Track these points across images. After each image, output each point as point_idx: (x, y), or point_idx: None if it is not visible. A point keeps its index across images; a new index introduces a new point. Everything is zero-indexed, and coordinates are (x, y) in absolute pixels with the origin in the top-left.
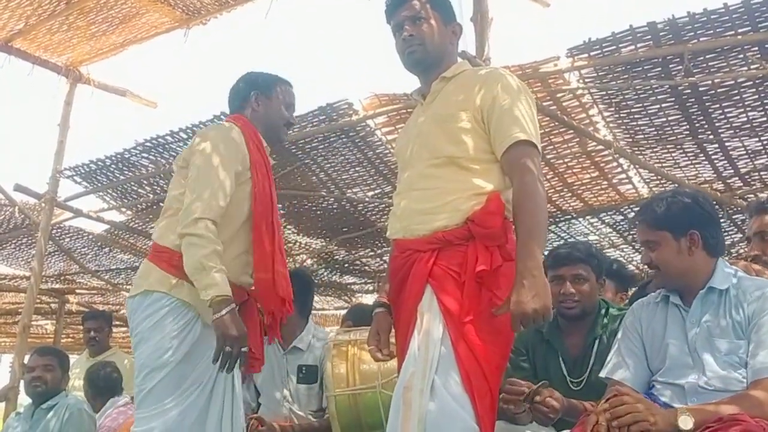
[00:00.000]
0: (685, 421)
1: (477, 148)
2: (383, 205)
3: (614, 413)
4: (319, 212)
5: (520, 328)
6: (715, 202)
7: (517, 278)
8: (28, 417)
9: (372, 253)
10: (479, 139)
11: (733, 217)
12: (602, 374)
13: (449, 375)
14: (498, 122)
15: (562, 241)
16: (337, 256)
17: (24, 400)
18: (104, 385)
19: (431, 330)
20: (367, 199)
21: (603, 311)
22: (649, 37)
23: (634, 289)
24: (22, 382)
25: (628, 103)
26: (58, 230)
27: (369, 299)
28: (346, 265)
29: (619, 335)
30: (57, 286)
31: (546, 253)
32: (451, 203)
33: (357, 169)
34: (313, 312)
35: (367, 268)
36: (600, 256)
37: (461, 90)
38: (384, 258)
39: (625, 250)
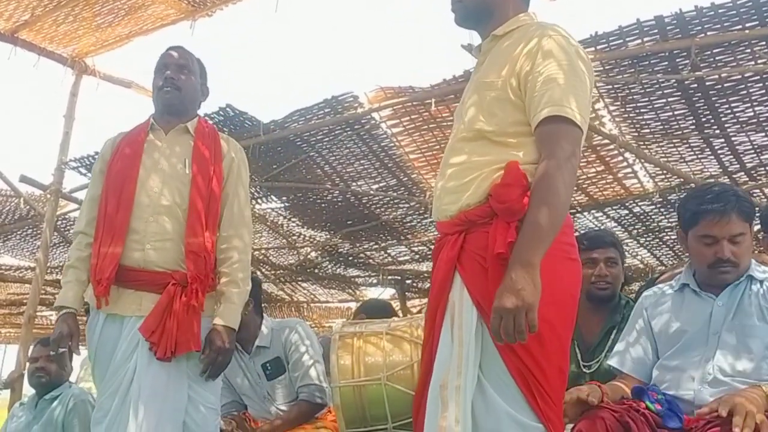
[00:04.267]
0: None
1: (512, 121)
2: (388, 198)
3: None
4: (323, 205)
5: (498, 325)
6: None
7: (507, 268)
8: (32, 407)
9: (376, 246)
10: (515, 111)
11: None
12: (609, 362)
13: (496, 371)
14: (532, 92)
15: None
16: (341, 249)
17: (28, 390)
18: None
19: (464, 323)
20: (371, 192)
21: (622, 301)
22: (656, 31)
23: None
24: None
25: (635, 97)
26: (63, 221)
27: (373, 293)
28: (351, 257)
29: (628, 325)
30: (61, 277)
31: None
32: (476, 180)
33: (362, 161)
34: (317, 305)
35: (371, 261)
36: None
37: (508, 51)
38: (388, 251)
39: (630, 244)
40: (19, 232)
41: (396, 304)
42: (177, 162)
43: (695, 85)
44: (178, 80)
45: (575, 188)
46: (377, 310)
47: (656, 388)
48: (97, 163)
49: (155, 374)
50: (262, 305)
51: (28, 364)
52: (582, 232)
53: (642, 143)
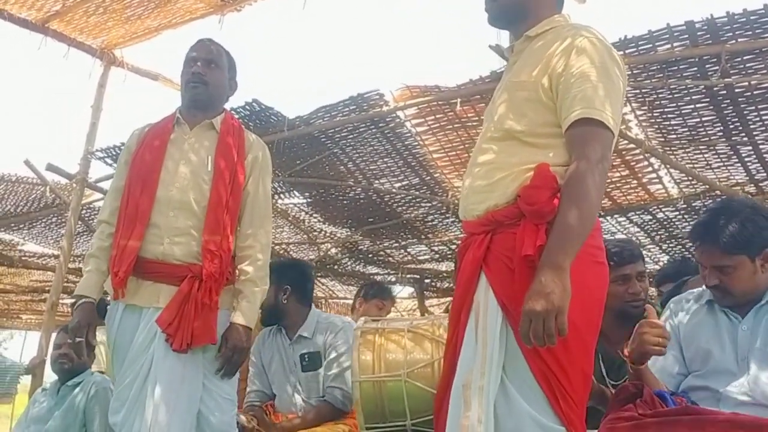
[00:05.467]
0: None
1: (543, 122)
2: (410, 197)
3: None
4: (345, 202)
5: (527, 329)
6: None
7: (537, 271)
8: (53, 393)
9: (396, 245)
10: (546, 112)
11: None
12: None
13: (519, 373)
14: (564, 93)
15: None
16: (361, 246)
17: (49, 376)
18: None
19: (489, 324)
20: (394, 190)
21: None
22: (687, 36)
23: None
24: (48, 359)
25: (662, 102)
26: (88, 211)
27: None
28: (370, 255)
29: None
30: (82, 265)
31: None
32: (504, 180)
33: (385, 160)
34: (335, 301)
35: (390, 259)
36: None
37: (541, 52)
38: (408, 250)
39: (652, 250)
40: (44, 220)
41: (414, 303)
42: (200, 158)
43: (724, 92)
44: (206, 75)
45: None
46: (377, 291)
47: (686, 394)
48: (122, 153)
49: (171, 365)
50: (311, 295)
51: (50, 350)
52: (606, 243)
53: (668, 149)
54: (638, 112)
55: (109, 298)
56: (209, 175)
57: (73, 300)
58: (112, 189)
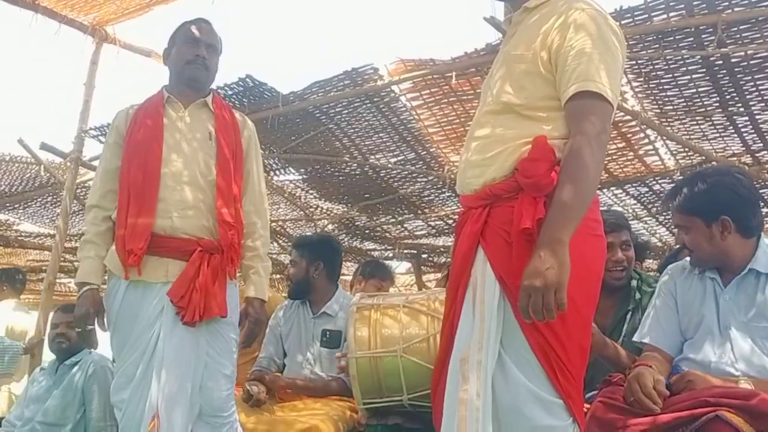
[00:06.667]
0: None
1: (541, 95)
2: (406, 172)
3: None
4: (341, 178)
5: (526, 304)
6: None
7: (536, 246)
8: (52, 372)
9: (393, 220)
10: (545, 85)
11: (761, 191)
12: (637, 338)
13: (517, 347)
14: (563, 66)
15: None
16: (358, 222)
17: (47, 355)
18: None
19: (486, 298)
20: (389, 165)
21: (636, 283)
22: (682, 6)
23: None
24: (46, 338)
25: (658, 73)
26: (83, 189)
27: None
28: (367, 231)
29: (655, 297)
30: (78, 252)
31: None
32: (502, 153)
33: (381, 135)
34: None
35: (387, 234)
36: None
37: (539, 24)
38: (405, 225)
39: (649, 222)
40: (39, 200)
41: (411, 278)
42: (201, 134)
43: (720, 62)
44: (208, 59)
45: None
46: (375, 270)
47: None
48: (110, 134)
49: (179, 338)
50: (339, 273)
51: (48, 329)
52: None
53: (664, 120)
54: (634, 84)
55: (105, 277)
56: (212, 149)
57: (83, 289)
58: (101, 171)
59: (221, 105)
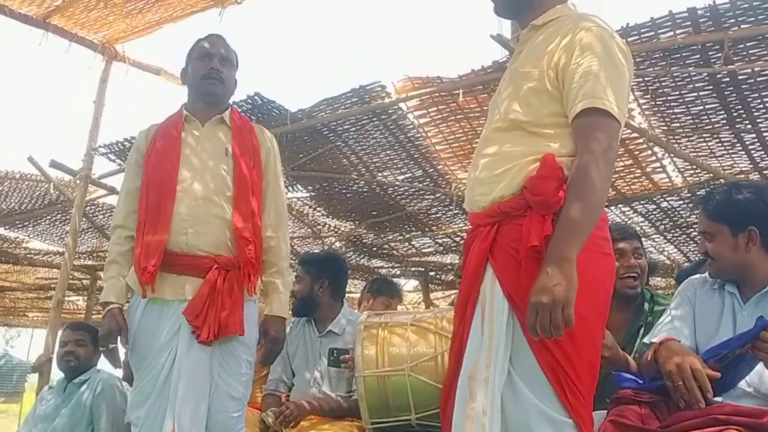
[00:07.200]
0: None
1: (548, 112)
2: (413, 189)
3: None
4: (349, 195)
5: (534, 321)
6: None
7: (543, 263)
8: (60, 391)
9: (400, 238)
10: (552, 102)
11: None
12: (648, 339)
13: (526, 365)
14: (570, 84)
15: None
16: (365, 240)
17: (56, 374)
18: None
19: (495, 316)
20: (397, 182)
21: (647, 302)
22: (689, 23)
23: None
24: (54, 356)
25: (665, 90)
26: (92, 207)
27: None
28: (374, 248)
29: (673, 305)
30: (89, 262)
31: None
32: (510, 171)
33: (388, 152)
34: None
35: (395, 252)
36: None
37: (546, 42)
38: (412, 242)
39: (656, 239)
40: (48, 217)
41: (419, 296)
42: (218, 150)
43: (727, 79)
44: (222, 72)
45: None
46: (384, 287)
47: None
48: (131, 155)
49: (195, 357)
50: (344, 290)
51: (56, 348)
52: None
53: (671, 137)
54: (641, 101)
55: (130, 296)
56: (230, 165)
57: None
58: (124, 192)
59: (239, 119)
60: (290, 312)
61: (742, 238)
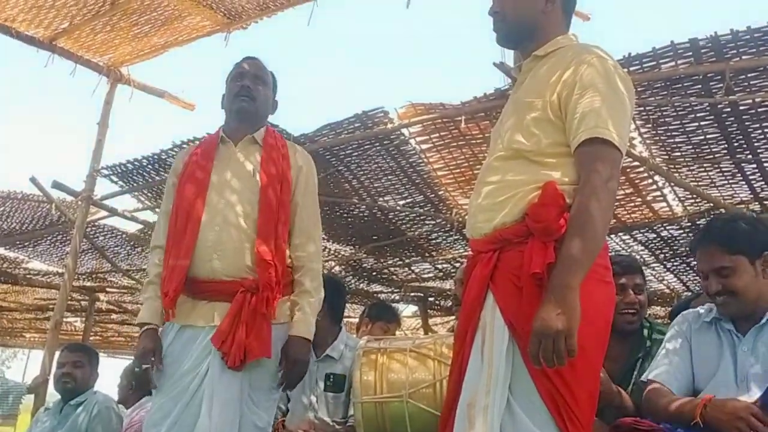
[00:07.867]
0: None
1: (551, 141)
2: (414, 215)
3: None
4: (350, 219)
5: (536, 350)
6: None
7: (546, 292)
8: (56, 412)
9: (400, 263)
10: (555, 132)
11: None
12: (645, 377)
13: (525, 393)
14: (572, 114)
15: None
16: (365, 264)
17: (52, 395)
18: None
19: (495, 343)
20: (398, 207)
21: (646, 330)
22: (691, 53)
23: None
24: (51, 378)
25: (666, 119)
26: (93, 228)
27: None
28: (374, 273)
29: (667, 340)
30: (88, 283)
31: None
32: (512, 198)
33: (390, 177)
34: None
35: (394, 277)
36: None
37: (549, 72)
38: (412, 268)
39: (656, 268)
40: (49, 238)
41: (418, 321)
42: (246, 172)
43: (728, 109)
44: (254, 90)
45: None
46: (382, 312)
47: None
48: (169, 177)
49: (228, 383)
50: (342, 314)
51: (53, 369)
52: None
53: (672, 166)
54: (642, 130)
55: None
56: (256, 187)
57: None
58: (163, 213)
59: (272, 138)
60: None
61: (759, 264)
